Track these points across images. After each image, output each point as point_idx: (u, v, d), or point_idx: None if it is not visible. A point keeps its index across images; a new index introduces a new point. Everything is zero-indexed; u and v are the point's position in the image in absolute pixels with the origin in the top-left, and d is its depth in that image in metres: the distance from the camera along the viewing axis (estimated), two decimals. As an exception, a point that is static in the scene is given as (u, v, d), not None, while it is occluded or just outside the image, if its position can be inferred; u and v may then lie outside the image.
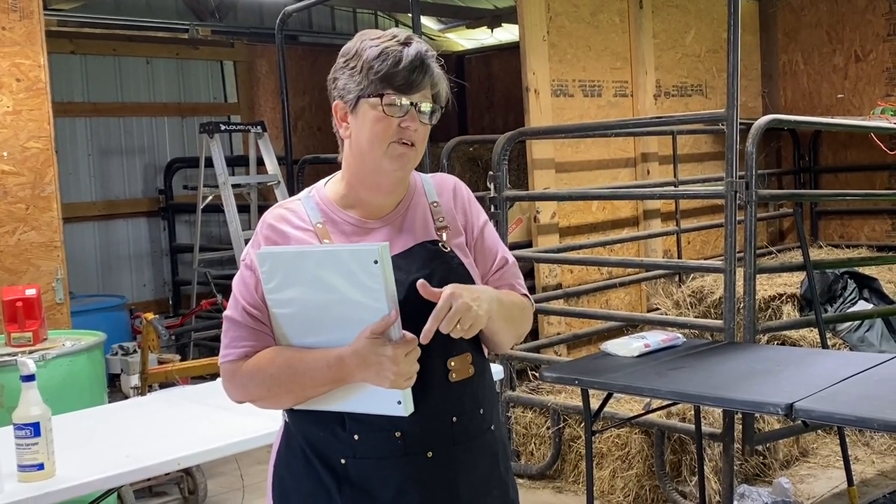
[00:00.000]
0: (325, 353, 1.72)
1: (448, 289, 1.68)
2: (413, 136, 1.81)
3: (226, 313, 1.85)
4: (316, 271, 1.70)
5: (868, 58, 7.50)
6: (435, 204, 1.94)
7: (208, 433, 2.88)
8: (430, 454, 1.79)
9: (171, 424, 3.10)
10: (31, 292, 3.97)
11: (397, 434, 1.76)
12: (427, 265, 1.82)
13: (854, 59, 7.58)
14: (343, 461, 1.79)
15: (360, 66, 1.80)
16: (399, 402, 1.68)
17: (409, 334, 1.67)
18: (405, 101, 1.78)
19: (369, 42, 1.81)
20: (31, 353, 3.77)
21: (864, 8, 7.48)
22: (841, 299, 5.56)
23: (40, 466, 2.43)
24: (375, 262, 1.62)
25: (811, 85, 7.85)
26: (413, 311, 1.70)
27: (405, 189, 1.92)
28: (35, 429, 2.42)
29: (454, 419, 1.82)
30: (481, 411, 1.88)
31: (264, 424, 2.72)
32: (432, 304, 1.77)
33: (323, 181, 1.95)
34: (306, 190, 1.95)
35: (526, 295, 2.00)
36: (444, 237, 1.90)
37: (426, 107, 1.81)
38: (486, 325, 1.76)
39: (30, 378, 2.43)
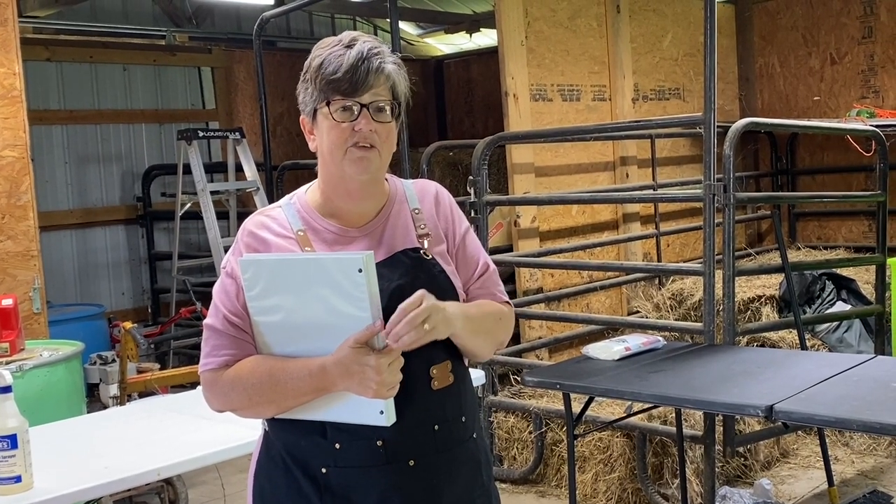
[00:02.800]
0: (308, 362, 1.71)
1: (420, 291, 1.68)
2: (370, 137, 1.77)
3: (206, 321, 1.83)
4: (299, 280, 1.69)
5: (843, 60, 7.57)
6: (416, 211, 1.92)
7: (188, 442, 2.86)
8: (412, 462, 1.77)
9: (150, 434, 3.07)
10: (7, 302, 3.93)
11: (379, 442, 1.75)
12: (408, 273, 1.81)
13: (830, 61, 7.65)
14: (324, 470, 1.77)
15: (310, 77, 1.80)
16: (381, 412, 1.67)
17: (392, 343, 1.65)
18: (355, 103, 1.76)
19: (318, 52, 1.80)
20: (7, 363, 3.73)
21: (838, 11, 7.55)
22: (819, 300, 5.60)
23: (18, 479, 2.40)
24: (360, 270, 1.61)
25: (787, 87, 7.91)
26: (394, 318, 1.70)
27: (384, 196, 1.91)
28: (12, 441, 2.39)
29: (436, 427, 1.81)
30: (463, 419, 1.87)
31: (245, 433, 2.70)
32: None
33: (304, 188, 1.93)
34: (287, 197, 1.93)
35: (507, 302, 1.99)
36: (426, 245, 1.88)
37: (380, 105, 1.79)
38: (455, 336, 1.77)
39: (6, 389, 2.40)
